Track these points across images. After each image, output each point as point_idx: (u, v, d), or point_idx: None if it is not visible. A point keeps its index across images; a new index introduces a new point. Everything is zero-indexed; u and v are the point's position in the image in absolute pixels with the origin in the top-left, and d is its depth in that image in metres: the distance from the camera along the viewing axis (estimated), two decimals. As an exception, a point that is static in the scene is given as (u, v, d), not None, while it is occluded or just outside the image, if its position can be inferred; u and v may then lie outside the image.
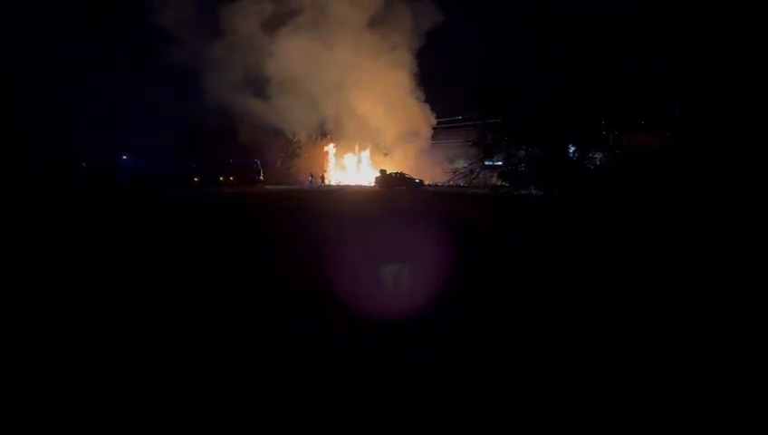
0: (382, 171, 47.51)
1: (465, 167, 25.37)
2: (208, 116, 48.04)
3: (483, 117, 24.85)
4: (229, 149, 47.13)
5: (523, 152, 24.46)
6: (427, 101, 51.11)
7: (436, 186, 41.60)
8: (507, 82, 25.35)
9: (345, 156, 57.28)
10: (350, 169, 57.00)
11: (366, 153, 56.19)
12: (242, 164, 45.90)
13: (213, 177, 43.19)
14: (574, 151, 24.96)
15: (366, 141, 54.92)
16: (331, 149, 56.22)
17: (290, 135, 53.99)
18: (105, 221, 15.56)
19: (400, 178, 44.53)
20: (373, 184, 46.99)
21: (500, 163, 25.08)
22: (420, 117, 51.04)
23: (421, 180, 43.51)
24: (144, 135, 56.41)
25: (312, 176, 49.70)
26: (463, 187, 27.92)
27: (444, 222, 15.33)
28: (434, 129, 52.28)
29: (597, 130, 25.08)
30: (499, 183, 25.46)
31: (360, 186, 50.12)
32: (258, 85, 48.13)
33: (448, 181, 29.89)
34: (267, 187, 43.68)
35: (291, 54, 47.56)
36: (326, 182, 51.91)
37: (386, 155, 53.73)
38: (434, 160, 47.16)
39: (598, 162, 24.78)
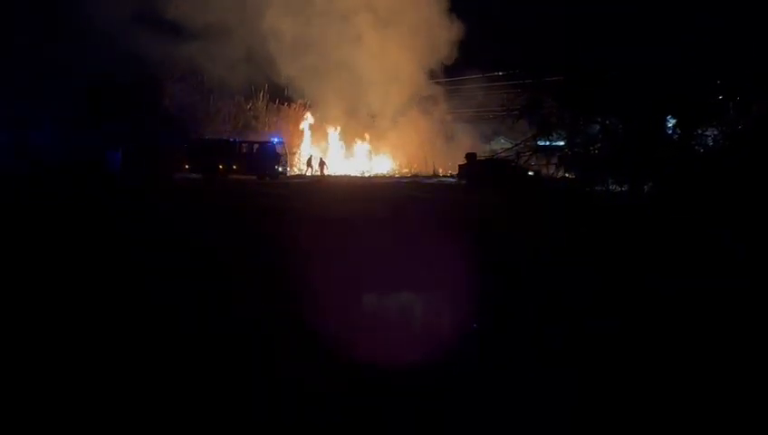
0: (470, 156, 31.27)
1: (509, 149, 17.51)
2: (114, 73, 37.62)
3: (537, 74, 16.78)
4: (153, 118, 37.17)
5: (597, 126, 16.43)
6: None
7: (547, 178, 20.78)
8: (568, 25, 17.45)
9: (329, 131, 46.16)
10: (333, 149, 45.57)
11: (366, 142, 45.11)
12: (257, 148, 34.85)
13: (208, 163, 33.27)
14: (674, 126, 16.82)
15: (358, 105, 43.53)
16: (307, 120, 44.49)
17: (239, 98, 42.08)
18: None
19: (501, 171, 23.80)
20: (457, 178, 32.40)
21: (561, 144, 17.07)
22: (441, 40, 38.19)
23: (537, 172, 21.46)
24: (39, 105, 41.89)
25: (308, 162, 41.17)
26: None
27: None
28: (456, 90, 42.15)
29: (710, 94, 16.89)
30: (559, 173, 17.38)
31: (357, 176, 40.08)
32: (180, 22, 36.51)
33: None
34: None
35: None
36: (326, 171, 41.56)
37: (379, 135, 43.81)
38: (464, 139, 37.77)
39: (710, 143, 16.69)
